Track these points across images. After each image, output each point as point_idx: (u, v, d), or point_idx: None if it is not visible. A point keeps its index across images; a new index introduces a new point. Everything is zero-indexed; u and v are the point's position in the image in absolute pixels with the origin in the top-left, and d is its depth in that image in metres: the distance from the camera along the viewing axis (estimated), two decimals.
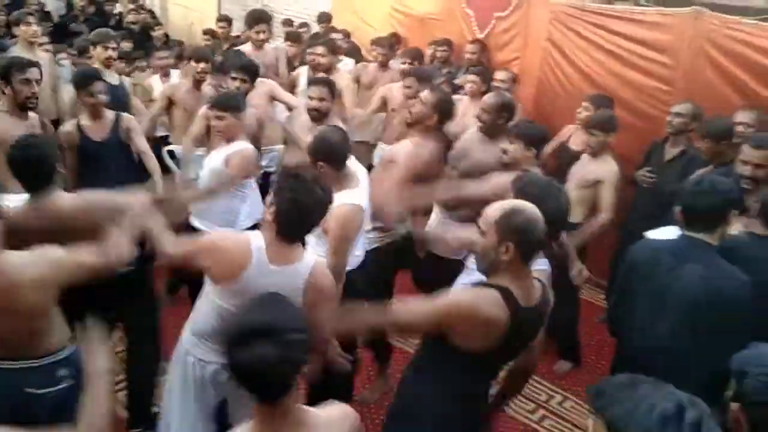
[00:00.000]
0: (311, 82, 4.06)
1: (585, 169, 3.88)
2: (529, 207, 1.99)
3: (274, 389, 1.46)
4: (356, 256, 2.99)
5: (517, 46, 5.40)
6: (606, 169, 3.79)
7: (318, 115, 3.75)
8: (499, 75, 4.93)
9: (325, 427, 1.58)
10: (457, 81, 5.32)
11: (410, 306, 2.05)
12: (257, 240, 2.18)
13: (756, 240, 2.54)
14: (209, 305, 2.24)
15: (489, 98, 3.74)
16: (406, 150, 3.44)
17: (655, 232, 3.13)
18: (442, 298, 1.99)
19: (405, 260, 3.60)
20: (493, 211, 1.99)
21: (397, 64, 5.58)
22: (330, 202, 2.22)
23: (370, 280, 3.07)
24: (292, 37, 6.20)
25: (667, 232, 2.95)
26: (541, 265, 2.41)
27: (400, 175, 3.30)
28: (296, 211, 2.10)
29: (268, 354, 1.40)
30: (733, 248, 2.43)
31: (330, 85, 3.85)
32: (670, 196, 3.42)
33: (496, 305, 1.92)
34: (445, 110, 3.52)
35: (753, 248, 2.49)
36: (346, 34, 6.65)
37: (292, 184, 2.12)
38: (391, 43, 5.87)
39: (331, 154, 2.74)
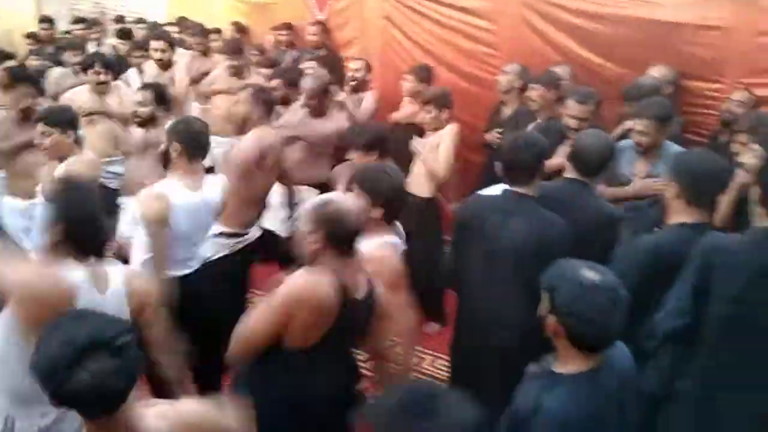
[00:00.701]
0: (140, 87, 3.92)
1: (429, 140, 3.96)
2: (341, 199, 2.04)
3: (115, 401, 1.36)
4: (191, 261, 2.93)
5: (356, 26, 5.48)
6: (445, 129, 3.90)
7: (141, 121, 3.72)
8: (353, 65, 4.92)
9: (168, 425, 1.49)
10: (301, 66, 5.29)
11: (242, 328, 2.01)
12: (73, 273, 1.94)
13: (568, 184, 2.74)
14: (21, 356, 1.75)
15: (307, 83, 3.79)
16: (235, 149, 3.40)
17: (486, 190, 3.33)
18: (274, 296, 1.96)
19: (257, 255, 3.55)
20: (309, 203, 2.05)
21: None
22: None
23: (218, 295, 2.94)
24: (124, 35, 5.87)
25: (496, 189, 3.14)
26: (392, 239, 2.47)
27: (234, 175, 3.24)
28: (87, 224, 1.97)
29: (106, 366, 1.30)
30: (548, 195, 2.61)
31: (156, 89, 3.76)
32: None
33: (331, 290, 1.93)
34: (265, 100, 3.45)
35: (565, 192, 2.69)
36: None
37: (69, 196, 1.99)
38: (203, 29, 5.71)
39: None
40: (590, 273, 1.65)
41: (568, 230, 2.45)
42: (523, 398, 1.74)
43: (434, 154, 3.88)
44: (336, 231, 1.96)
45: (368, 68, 4.90)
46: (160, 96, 3.74)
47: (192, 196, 2.81)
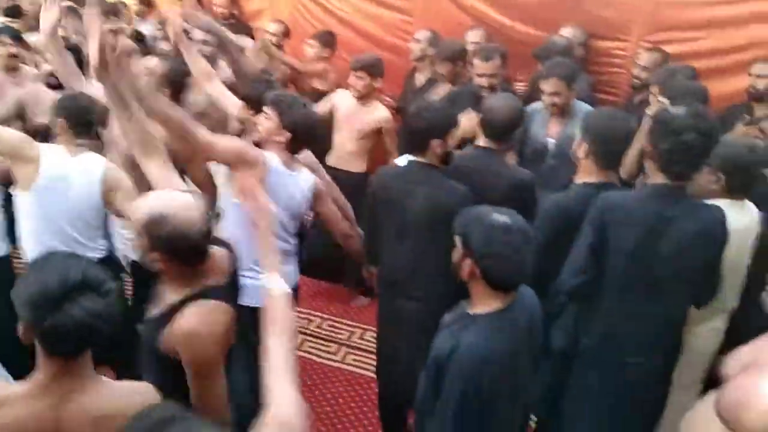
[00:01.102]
0: None
1: (360, 119, 3.88)
2: (175, 208, 1.67)
3: (94, 342, 1.38)
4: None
5: None
6: (383, 116, 3.86)
7: None
8: (270, 27, 4.70)
9: (120, 391, 1.47)
10: None
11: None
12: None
13: (479, 152, 2.73)
14: None
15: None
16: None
17: (399, 159, 3.29)
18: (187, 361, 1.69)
19: None
20: (139, 212, 1.70)
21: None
22: None
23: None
24: (12, 12, 5.37)
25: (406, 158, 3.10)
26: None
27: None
28: None
29: (96, 306, 1.33)
30: (460, 165, 2.60)
31: None
32: None
33: (223, 312, 1.72)
34: (176, 81, 3.13)
35: (477, 160, 2.68)
36: None
37: None
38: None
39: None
40: (500, 216, 1.74)
41: (469, 198, 2.43)
42: (441, 342, 1.79)
43: (368, 140, 3.89)
44: (179, 250, 1.68)
45: (286, 33, 4.72)
46: None
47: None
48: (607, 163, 2.32)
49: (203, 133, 2.30)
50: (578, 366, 2.29)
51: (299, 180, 2.59)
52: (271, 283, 1.65)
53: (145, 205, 1.70)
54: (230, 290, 1.86)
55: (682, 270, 2.11)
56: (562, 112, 3.26)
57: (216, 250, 1.86)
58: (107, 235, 2.85)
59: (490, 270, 1.73)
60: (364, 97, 3.82)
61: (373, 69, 3.76)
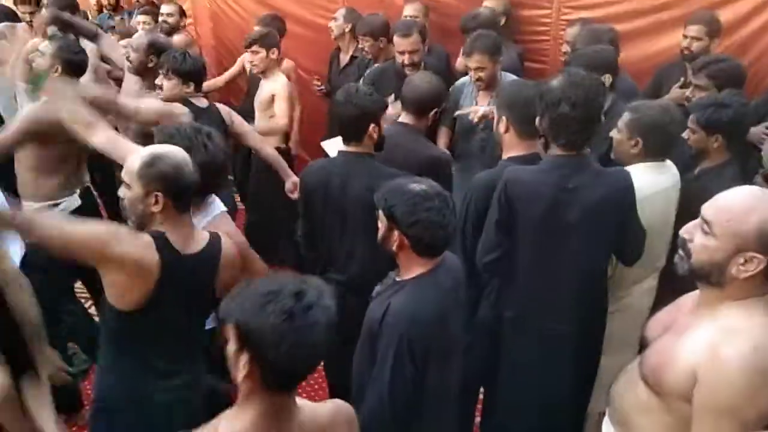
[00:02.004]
0: None
1: (263, 92, 3.81)
2: (173, 151, 1.85)
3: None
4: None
5: None
6: (278, 83, 3.76)
7: None
8: (165, 9, 4.56)
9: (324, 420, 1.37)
10: (132, 23, 4.83)
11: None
12: None
13: (399, 128, 2.69)
14: None
15: (136, 38, 3.43)
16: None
17: (328, 142, 3.22)
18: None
19: None
20: (133, 161, 1.82)
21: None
22: None
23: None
24: None
25: (337, 142, 3.03)
26: (218, 209, 2.30)
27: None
28: None
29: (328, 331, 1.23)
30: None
31: None
32: None
33: (144, 245, 1.78)
34: (69, 61, 2.94)
35: (397, 136, 2.61)
36: None
37: None
38: None
39: None
40: (417, 185, 1.81)
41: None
42: (372, 311, 1.84)
43: (269, 111, 3.74)
44: (176, 188, 1.80)
45: (181, 13, 4.58)
46: None
47: None
48: (527, 133, 2.31)
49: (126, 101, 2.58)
50: (504, 338, 2.31)
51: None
52: None
53: (137, 156, 1.82)
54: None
55: (591, 236, 2.14)
56: (489, 85, 3.24)
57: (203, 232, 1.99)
58: None
59: (418, 237, 1.77)
60: (265, 71, 3.74)
61: (265, 41, 3.68)
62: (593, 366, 2.34)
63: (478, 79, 3.21)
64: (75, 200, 3.02)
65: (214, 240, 1.96)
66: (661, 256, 2.45)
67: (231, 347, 1.22)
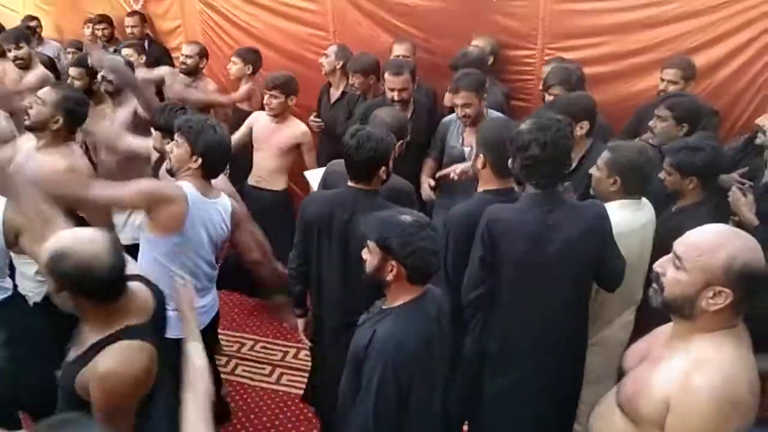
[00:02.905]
0: None
1: (278, 137, 3.86)
2: (77, 242, 1.66)
3: None
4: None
5: (176, 14, 5.18)
6: (300, 131, 3.86)
7: None
8: (185, 50, 4.61)
9: None
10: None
11: None
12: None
13: None
14: None
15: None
16: (39, 171, 2.77)
17: (310, 172, 3.29)
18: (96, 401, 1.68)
19: None
20: (43, 252, 1.68)
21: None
22: None
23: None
24: None
25: (320, 173, 3.10)
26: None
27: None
28: None
29: None
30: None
31: None
32: (337, 136, 3.63)
33: (144, 355, 1.71)
34: (71, 110, 2.87)
35: None
36: None
37: None
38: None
39: None
40: (407, 216, 1.89)
41: None
42: (359, 337, 1.89)
43: (288, 157, 3.88)
44: (87, 288, 1.65)
45: (202, 55, 4.63)
46: None
47: None
48: (503, 171, 2.39)
49: (103, 193, 2.38)
50: (488, 372, 2.36)
51: (218, 206, 2.57)
52: (193, 354, 1.81)
53: (48, 245, 1.67)
54: (153, 328, 1.82)
55: (572, 270, 2.23)
56: (475, 121, 3.34)
57: (136, 287, 1.83)
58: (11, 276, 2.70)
59: (414, 266, 1.84)
60: (279, 116, 3.82)
61: (286, 87, 3.77)
62: (574, 398, 2.39)
63: (464, 116, 3.31)
64: None
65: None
66: (638, 290, 2.53)
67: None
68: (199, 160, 2.44)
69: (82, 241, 1.66)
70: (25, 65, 4.32)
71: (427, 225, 1.87)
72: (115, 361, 1.64)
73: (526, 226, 2.18)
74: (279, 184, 3.94)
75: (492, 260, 2.22)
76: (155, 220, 2.38)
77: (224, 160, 2.58)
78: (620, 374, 1.73)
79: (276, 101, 3.76)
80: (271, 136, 3.87)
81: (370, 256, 1.91)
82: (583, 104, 2.98)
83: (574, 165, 2.66)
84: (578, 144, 2.83)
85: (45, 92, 2.89)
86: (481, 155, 2.44)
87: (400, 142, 2.79)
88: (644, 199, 2.53)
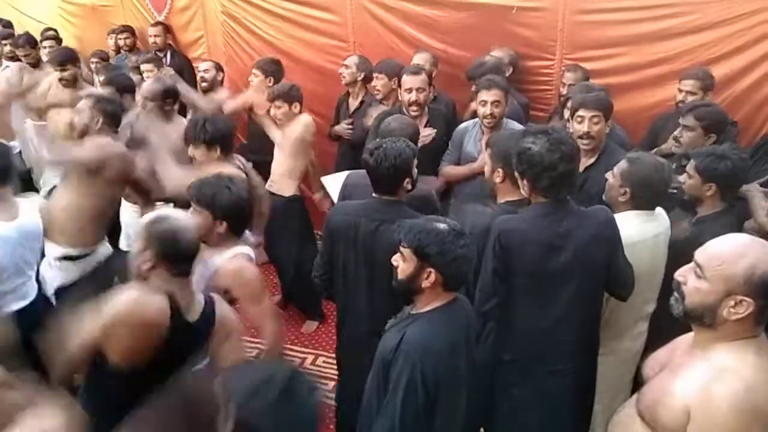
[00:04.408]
0: None
1: (286, 139, 3.90)
2: (175, 216, 1.97)
3: None
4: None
5: (199, 25, 5.26)
6: (302, 125, 3.86)
7: None
8: (202, 66, 4.72)
9: None
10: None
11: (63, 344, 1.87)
12: None
13: None
14: None
15: (147, 85, 3.63)
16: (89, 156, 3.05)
17: (328, 177, 3.31)
18: (99, 312, 1.84)
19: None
20: (144, 218, 1.98)
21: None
22: None
23: None
24: None
25: (341, 177, 3.13)
26: (243, 250, 2.43)
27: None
28: None
29: None
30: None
31: None
32: (359, 145, 3.68)
33: (161, 309, 1.86)
34: (109, 112, 3.17)
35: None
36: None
37: None
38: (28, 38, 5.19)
39: None
40: (442, 224, 1.92)
41: None
42: (387, 341, 1.90)
43: (298, 152, 3.90)
44: (168, 250, 1.88)
45: (218, 68, 4.73)
46: None
47: (6, 228, 2.58)
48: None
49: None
50: (502, 382, 2.39)
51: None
52: None
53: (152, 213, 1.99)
54: None
55: (585, 277, 2.25)
56: (495, 127, 3.34)
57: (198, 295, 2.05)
58: None
59: (452, 274, 1.88)
60: (286, 124, 3.87)
61: (289, 96, 3.82)
62: (588, 407, 2.40)
63: (491, 115, 3.29)
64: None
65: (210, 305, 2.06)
66: (649, 302, 2.54)
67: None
68: (224, 224, 2.38)
69: (176, 213, 1.99)
70: (70, 85, 4.44)
71: (462, 233, 1.90)
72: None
73: (538, 235, 2.21)
74: (289, 190, 3.96)
75: (504, 271, 2.24)
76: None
77: (246, 214, 2.51)
78: (638, 382, 1.75)
79: (281, 111, 3.82)
80: (282, 141, 3.93)
81: (404, 263, 1.93)
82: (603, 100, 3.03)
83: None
84: None
85: (82, 103, 3.19)
86: (500, 170, 2.46)
87: None
88: (658, 210, 2.54)
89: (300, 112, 3.92)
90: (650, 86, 3.96)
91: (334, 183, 3.16)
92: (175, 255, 1.90)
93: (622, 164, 2.50)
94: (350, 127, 4.31)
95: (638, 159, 2.52)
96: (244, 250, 2.43)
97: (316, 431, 1.33)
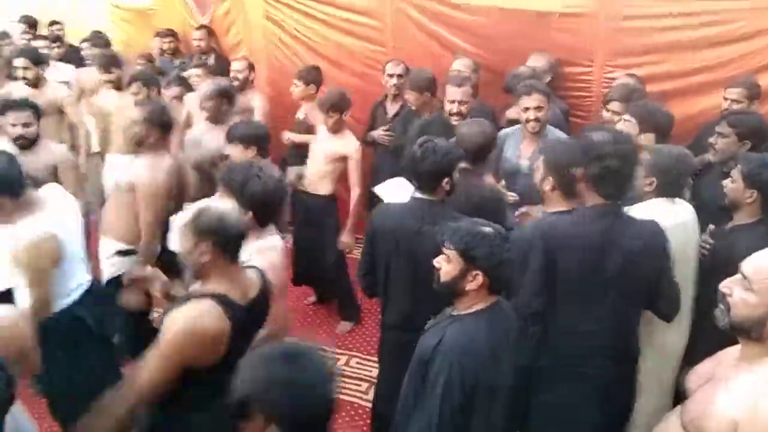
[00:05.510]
0: (7, 106, 3.55)
1: (330, 145, 3.96)
2: (213, 205, 2.01)
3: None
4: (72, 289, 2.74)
5: (240, 28, 5.37)
6: (351, 145, 3.94)
7: (26, 143, 3.44)
8: (235, 65, 4.81)
9: None
10: (184, 74, 5.12)
11: (141, 371, 1.91)
12: None
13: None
14: None
15: (205, 87, 3.70)
16: (143, 178, 3.21)
17: (382, 186, 3.36)
18: (161, 341, 1.88)
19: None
20: (185, 215, 2.01)
21: None
22: None
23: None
24: None
25: (394, 184, 3.17)
26: (271, 242, 2.44)
27: (147, 211, 3.21)
28: None
29: None
30: None
31: (34, 107, 3.53)
32: (398, 150, 3.71)
33: (217, 317, 1.88)
34: (161, 121, 3.29)
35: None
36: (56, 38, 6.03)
37: None
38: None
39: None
40: (488, 227, 1.94)
41: None
42: (426, 341, 1.92)
43: (334, 166, 3.95)
44: (221, 237, 1.92)
45: (251, 67, 4.83)
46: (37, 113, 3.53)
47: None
48: (572, 194, 2.43)
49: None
50: (542, 383, 2.38)
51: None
52: None
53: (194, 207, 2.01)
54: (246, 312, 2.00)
55: (631, 284, 2.24)
56: (537, 133, 3.35)
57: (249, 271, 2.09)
58: None
59: (499, 277, 1.91)
60: (336, 131, 3.93)
61: (339, 106, 3.87)
62: (627, 412, 2.39)
63: (535, 119, 3.30)
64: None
65: (262, 278, 2.10)
66: (686, 288, 2.49)
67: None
68: (249, 214, 2.30)
69: (216, 203, 2.03)
70: (116, 87, 4.60)
71: (507, 237, 1.93)
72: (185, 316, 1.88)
73: (585, 238, 2.21)
74: (324, 189, 4.01)
75: (549, 272, 2.25)
76: None
77: (274, 207, 2.43)
78: (680, 393, 1.73)
79: (331, 120, 3.87)
80: (324, 143, 3.98)
81: (448, 265, 1.94)
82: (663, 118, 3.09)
83: None
84: None
85: (135, 113, 3.35)
86: (550, 178, 2.46)
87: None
88: (678, 199, 2.60)
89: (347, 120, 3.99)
90: (695, 94, 3.91)
91: (386, 192, 3.20)
92: (227, 240, 1.94)
93: (646, 157, 2.57)
94: (388, 133, 4.33)
95: (660, 150, 2.62)
96: (271, 242, 2.42)
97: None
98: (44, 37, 5.96)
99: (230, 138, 3.21)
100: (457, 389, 1.81)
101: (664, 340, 2.52)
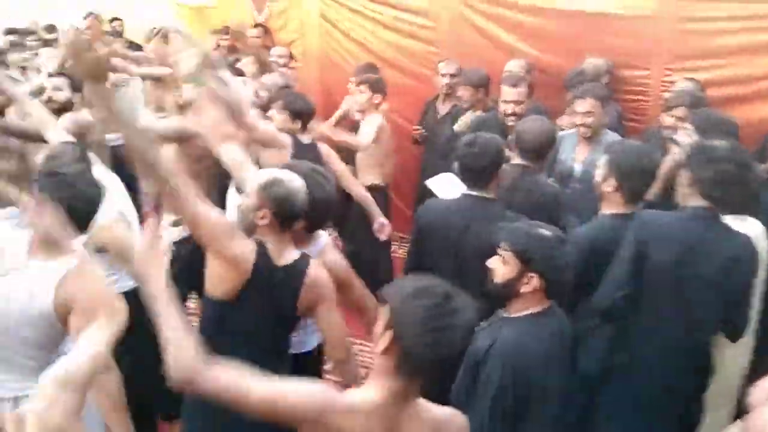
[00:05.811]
0: None
1: (362, 131, 3.93)
2: (292, 179, 2.06)
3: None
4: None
5: (295, 27, 5.46)
6: (375, 125, 3.87)
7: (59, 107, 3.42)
8: (276, 51, 4.93)
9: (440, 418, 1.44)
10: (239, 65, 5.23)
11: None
12: None
13: (511, 168, 2.75)
14: None
15: (267, 78, 3.78)
16: None
17: (433, 180, 3.36)
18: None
19: None
20: (260, 176, 2.08)
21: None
22: None
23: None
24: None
25: (445, 179, 3.16)
26: (323, 240, 2.44)
27: None
28: None
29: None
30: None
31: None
32: (449, 149, 3.70)
33: (249, 246, 2.00)
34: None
35: (509, 175, 2.71)
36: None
37: None
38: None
39: None
40: (545, 230, 1.92)
41: None
42: (480, 341, 1.89)
43: (369, 150, 3.91)
44: (283, 211, 2.01)
45: (290, 56, 4.91)
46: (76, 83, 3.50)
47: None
48: (633, 198, 2.37)
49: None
50: (612, 385, 2.31)
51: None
52: None
53: (265, 173, 2.09)
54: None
55: (719, 291, 2.15)
56: (591, 137, 3.31)
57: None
58: None
59: (556, 280, 1.88)
60: (364, 111, 3.94)
61: (374, 85, 3.90)
62: (695, 422, 2.32)
63: (584, 125, 3.27)
64: None
65: (304, 259, 2.12)
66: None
67: (379, 326, 1.34)
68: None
69: (288, 175, 2.07)
70: None
71: (565, 240, 1.91)
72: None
73: (684, 235, 2.14)
74: (370, 179, 3.99)
75: (639, 265, 2.17)
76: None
77: (325, 214, 2.31)
78: (741, 407, 1.67)
79: (363, 96, 3.89)
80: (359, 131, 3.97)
81: (504, 266, 1.93)
82: (729, 125, 2.93)
83: None
84: None
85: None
86: (613, 179, 2.39)
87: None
88: (750, 218, 2.44)
89: (379, 105, 3.96)
90: (756, 101, 3.77)
91: (438, 185, 3.19)
92: (287, 215, 2.03)
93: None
94: (420, 129, 4.39)
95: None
96: (321, 244, 2.39)
97: (455, 354, 1.33)
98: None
99: (281, 106, 3.27)
100: (508, 392, 1.80)
101: (728, 354, 2.42)
